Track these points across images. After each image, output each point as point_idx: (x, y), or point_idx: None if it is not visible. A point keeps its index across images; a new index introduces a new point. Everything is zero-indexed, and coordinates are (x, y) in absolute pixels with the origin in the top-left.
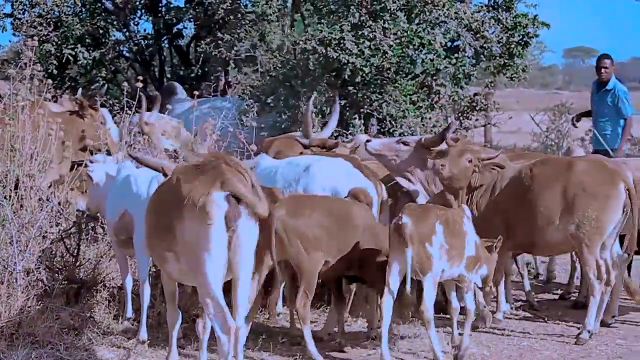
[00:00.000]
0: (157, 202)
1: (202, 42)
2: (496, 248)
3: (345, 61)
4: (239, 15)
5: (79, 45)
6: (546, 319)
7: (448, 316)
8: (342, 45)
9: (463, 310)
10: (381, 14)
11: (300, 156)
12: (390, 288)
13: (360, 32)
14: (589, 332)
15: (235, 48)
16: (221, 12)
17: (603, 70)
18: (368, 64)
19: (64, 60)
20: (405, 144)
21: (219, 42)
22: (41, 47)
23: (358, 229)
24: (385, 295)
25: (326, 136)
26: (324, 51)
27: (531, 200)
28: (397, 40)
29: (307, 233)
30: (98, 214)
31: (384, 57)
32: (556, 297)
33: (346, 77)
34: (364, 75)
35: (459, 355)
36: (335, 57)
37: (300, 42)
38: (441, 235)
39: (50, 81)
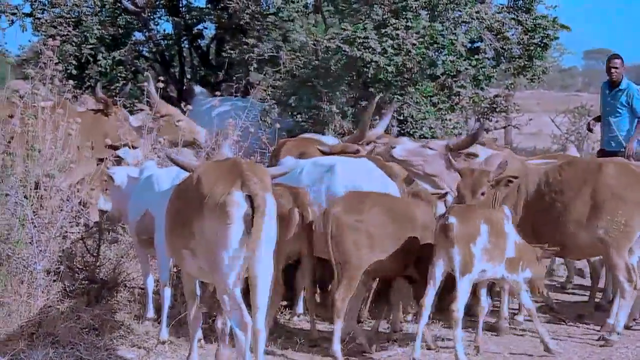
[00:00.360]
0: (178, 199)
1: (225, 45)
2: (544, 256)
3: (369, 60)
4: (260, 17)
5: (98, 45)
6: (566, 321)
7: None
8: (365, 44)
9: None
10: (404, 12)
11: (325, 157)
12: (434, 286)
13: (383, 31)
14: (618, 334)
15: (257, 49)
16: (246, 17)
17: (613, 70)
18: (391, 62)
19: (83, 61)
20: (431, 148)
21: (244, 46)
22: (61, 47)
23: (417, 229)
24: (428, 292)
25: (379, 133)
26: (347, 50)
27: (559, 203)
28: (420, 39)
29: (361, 229)
30: (121, 217)
31: (407, 55)
32: (575, 298)
33: (369, 76)
34: (386, 74)
35: (548, 348)
36: (358, 55)
37: (324, 42)
38: (485, 236)
39: (71, 82)
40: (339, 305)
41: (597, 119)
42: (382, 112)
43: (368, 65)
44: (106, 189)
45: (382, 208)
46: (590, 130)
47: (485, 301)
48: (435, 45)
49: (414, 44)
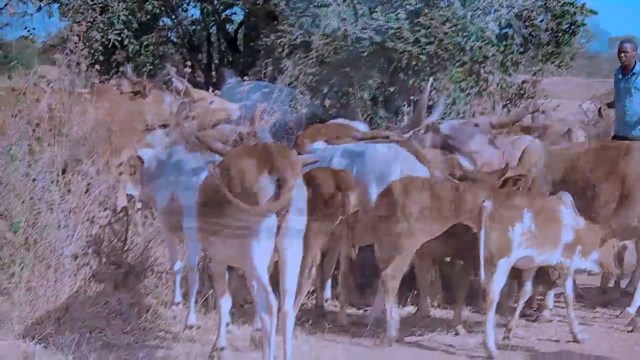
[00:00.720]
0: (209, 185)
1: (253, 31)
2: (609, 236)
3: (402, 50)
4: (294, 3)
5: (125, 31)
6: (594, 307)
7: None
8: (398, 34)
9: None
10: (436, 1)
11: (355, 143)
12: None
13: (416, 20)
14: None
15: (289, 35)
16: (282, 3)
17: (622, 54)
18: (424, 51)
19: (109, 46)
20: (476, 124)
21: (278, 32)
22: (87, 32)
23: (470, 212)
24: (480, 273)
25: (433, 120)
26: (379, 40)
27: (587, 190)
28: (452, 28)
29: (413, 213)
30: (150, 201)
31: (439, 44)
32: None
33: (402, 65)
34: (418, 62)
35: (576, 339)
36: (391, 47)
37: (356, 32)
38: (528, 222)
39: (97, 67)
40: (390, 284)
41: (610, 105)
42: (410, 98)
43: (401, 56)
44: (134, 172)
45: (434, 192)
46: (601, 115)
47: (529, 285)
48: (467, 32)
49: (446, 33)
